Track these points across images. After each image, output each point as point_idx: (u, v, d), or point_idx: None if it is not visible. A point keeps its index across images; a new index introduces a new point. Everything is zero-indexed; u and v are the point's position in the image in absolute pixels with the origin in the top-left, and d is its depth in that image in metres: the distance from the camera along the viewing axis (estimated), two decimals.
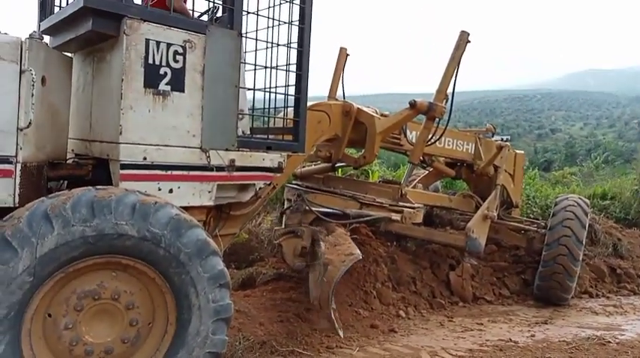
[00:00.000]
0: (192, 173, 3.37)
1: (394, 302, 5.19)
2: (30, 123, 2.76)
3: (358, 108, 4.84)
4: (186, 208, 3.40)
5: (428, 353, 4.24)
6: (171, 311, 2.84)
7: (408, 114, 4.78)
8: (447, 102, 4.75)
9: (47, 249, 2.43)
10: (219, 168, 3.50)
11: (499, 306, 6.00)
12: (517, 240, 6.70)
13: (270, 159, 3.78)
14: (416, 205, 4.80)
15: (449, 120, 4.89)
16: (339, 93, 5.71)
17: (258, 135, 3.90)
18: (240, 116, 3.92)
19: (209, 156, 3.42)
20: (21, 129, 2.77)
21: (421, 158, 6.04)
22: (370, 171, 9.52)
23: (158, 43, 3.14)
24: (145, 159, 3.14)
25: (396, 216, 4.53)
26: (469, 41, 4.61)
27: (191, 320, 2.86)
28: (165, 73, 3.19)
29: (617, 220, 8.96)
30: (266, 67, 3.92)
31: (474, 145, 6.32)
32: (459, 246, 5.78)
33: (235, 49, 3.51)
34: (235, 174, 3.60)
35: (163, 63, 3.18)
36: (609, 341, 4.77)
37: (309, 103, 4.59)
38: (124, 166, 3.07)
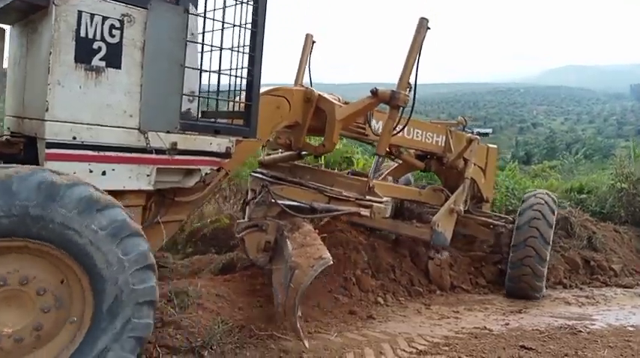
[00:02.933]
0: (128, 155, 3.20)
1: (373, 289, 5.27)
2: None
3: (319, 94, 4.67)
4: (122, 192, 3.27)
5: (405, 340, 4.28)
6: (88, 296, 2.68)
7: (370, 102, 4.62)
8: (410, 91, 4.60)
9: None
10: (160, 151, 3.34)
11: (475, 295, 6.13)
12: (485, 235, 6.63)
13: (218, 143, 3.61)
14: (384, 199, 4.66)
15: (412, 109, 4.73)
16: (306, 81, 5.56)
17: (205, 118, 3.73)
18: (190, 98, 3.76)
19: (148, 138, 3.25)
20: None
21: (388, 149, 5.92)
22: (355, 161, 9.40)
23: (92, 15, 2.95)
24: (74, 138, 2.96)
25: (365, 212, 4.37)
26: (429, 27, 4.46)
27: (110, 304, 2.70)
28: (100, 48, 3.00)
29: (592, 214, 9.09)
30: (213, 47, 3.72)
31: (444, 138, 6.19)
32: (425, 240, 5.68)
33: (181, 26, 3.33)
34: (178, 157, 3.43)
35: (97, 37, 2.98)
36: (580, 331, 4.84)
37: (268, 88, 4.45)
38: (50, 145, 2.89)
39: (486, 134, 8.12)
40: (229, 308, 4.08)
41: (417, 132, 5.83)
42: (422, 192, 6.11)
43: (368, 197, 4.53)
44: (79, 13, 2.90)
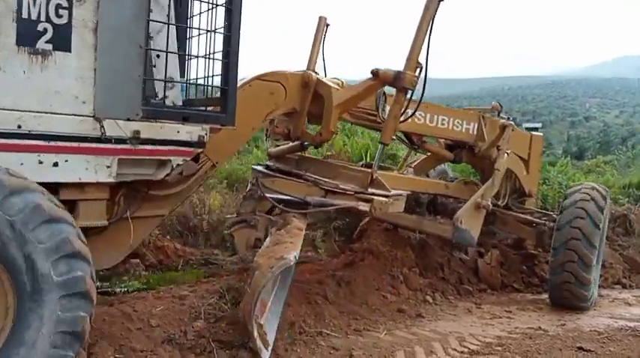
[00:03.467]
0: (83, 145, 2.98)
1: (421, 287, 5.22)
2: None
3: (318, 78, 4.27)
4: (82, 185, 3.07)
5: (456, 339, 4.20)
6: (8, 289, 2.46)
7: (370, 85, 4.16)
8: (420, 71, 4.09)
9: None
10: (120, 141, 3.10)
11: (528, 295, 5.91)
12: (526, 234, 5.97)
13: (188, 131, 3.33)
14: (392, 192, 4.21)
15: (423, 93, 4.22)
16: (321, 69, 5.14)
17: (171, 104, 3.46)
18: (170, 85, 3.51)
19: (103, 126, 3.02)
20: None
21: (409, 139, 5.42)
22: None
23: None
24: (19, 127, 2.77)
25: (364, 206, 3.93)
26: None
27: (33, 297, 2.47)
28: (46, 30, 2.79)
29: None
30: (193, 30, 3.44)
31: (476, 125, 5.58)
32: (446, 238, 5.15)
33: (140, 5, 3.06)
34: (142, 147, 3.19)
35: (42, 18, 2.77)
36: None
37: (260, 73, 4.14)
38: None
39: (535, 129, 7.43)
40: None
41: (443, 119, 5.27)
42: (449, 186, 5.55)
43: (370, 190, 4.09)
44: None
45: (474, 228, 5.01)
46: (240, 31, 3.47)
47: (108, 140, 3.05)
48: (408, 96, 4.11)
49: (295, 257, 2.92)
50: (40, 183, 2.90)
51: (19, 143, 2.79)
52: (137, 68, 3.11)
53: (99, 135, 3.00)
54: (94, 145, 3.02)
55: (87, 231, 3.34)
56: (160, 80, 3.41)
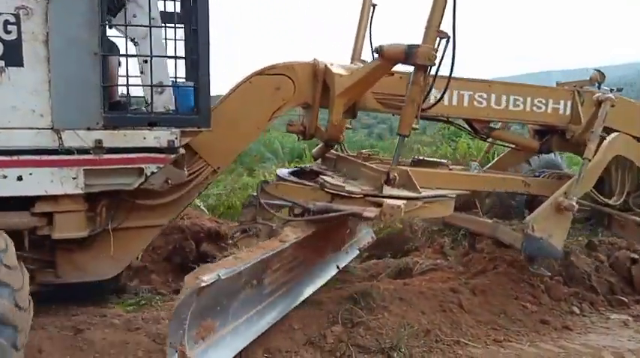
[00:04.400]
0: (45, 157, 2.99)
1: (566, 297, 4.72)
2: None
3: (326, 66, 3.74)
4: (54, 197, 3.09)
5: (611, 354, 3.82)
6: None
7: (377, 65, 3.48)
8: (447, 42, 3.32)
9: None
10: (83, 151, 3.05)
11: None
12: None
13: (155, 137, 3.14)
14: (425, 193, 3.52)
15: (452, 69, 3.41)
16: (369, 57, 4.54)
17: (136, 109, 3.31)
18: (159, 89, 3.38)
19: (61, 138, 2.99)
20: None
21: (472, 128, 4.53)
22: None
23: None
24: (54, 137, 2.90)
25: (370, 213, 3.33)
26: None
27: None
28: None
29: None
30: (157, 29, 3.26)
31: (569, 103, 4.42)
32: (516, 248, 4.17)
33: (90, 10, 2.97)
34: (108, 157, 3.10)
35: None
36: None
37: (263, 67, 3.80)
38: None
39: None
40: (413, 312, 4.00)
41: (516, 100, 4.28)
42: (530, 181, 4.47)
43: (387, 192, 3.43)
44: None
45: (555, 236, 3.96)
46: (209, 25, 3.19)
47: (69, 151, 3.01)
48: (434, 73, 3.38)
49: (216, 276, 2.48)
50: (9, 198, 3.02)
51: None
52: (94, 76, 3.03)
53: (56, 147, 2.98)
54: (55, 157, 3.01)
55: (81, 242, 3.42)
56: (121, 86, 3.30)
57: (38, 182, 3.00)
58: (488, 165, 5.20)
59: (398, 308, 3.96)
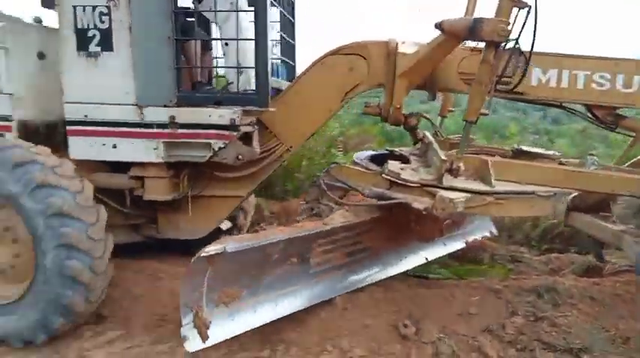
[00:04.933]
0: (131, 130, 3.47)
1: None
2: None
3: (398, 44, 3.42)
4: (142, 164, 3.58)
5: None
6: (28, 242, 3.13)
7: (439, 42, 3.01)
8: (528, 13, 2.77)
9: None
10: (162, 125, 3.44)
11: None
12: None
13: (220, 115, 3.37)
14: (481, 188, 3.12)
15: (532, 46, 2.82)
16: None
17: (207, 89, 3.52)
18: (241, 70, 3.62)
19: (143, 113, 3.41)
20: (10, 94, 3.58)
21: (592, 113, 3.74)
22: None
23: (84, 7, 3.33)
24: (85, 116, 3.47)
25: (420, 204, 3.06)
26: None
27: (40, 248, 3.05)
28: (94, 35, 3.36)
29: None
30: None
31: None
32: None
33: (164, 0, 3.28)
34: (182, 131, 3.44)
35: (91, 25, 3.35)
36: None
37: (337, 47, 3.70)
38: (69, 123, 3.50)
39: None
40: (608, 314, 3.62)
41: None
42: None
43: (448, 183, 3.08)
44: (74, 7, 3.34)
45: None
46: (266, 8, 3.25)
47: (149, 125, 3.44)
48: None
49: (222, 248, 2.57)
50: (108, 162, 3.60)
51: (87, 129, 3.50)
52: (168, 58, 3.36)
53: (141, 121, 3.42)
54: (139, 130, 3.46)
55: (174, 205, 3.89)
56: (187, 67, 3.55)
57: (128, 150, 3.50)
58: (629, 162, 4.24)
59: (589, 308, 3.56)
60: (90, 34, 3.37)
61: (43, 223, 3.03)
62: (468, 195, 3.05)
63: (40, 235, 3.05)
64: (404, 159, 3.76)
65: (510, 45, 2.89)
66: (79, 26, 3.36)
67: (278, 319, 3.13)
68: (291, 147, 3.79)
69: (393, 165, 3.38)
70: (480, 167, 3.31)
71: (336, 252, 3.44)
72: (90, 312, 3.32)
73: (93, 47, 3.38)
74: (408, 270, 4.08)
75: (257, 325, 2.98)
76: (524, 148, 3.85)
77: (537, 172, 3.36)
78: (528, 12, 2.82)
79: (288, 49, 4.42)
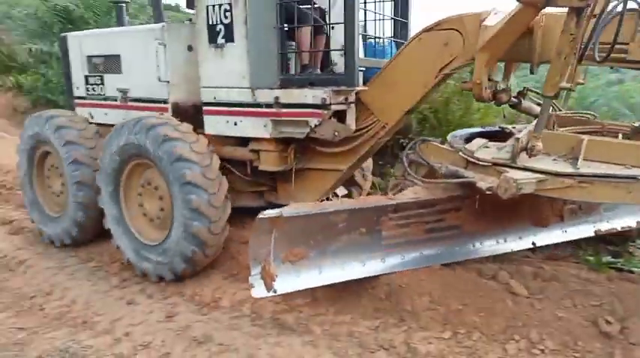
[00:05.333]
0: (247, 109, 4.06)
1: None
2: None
3: (488, 16, 3.19)
4: (259, 139, 4.17)
5: None
6: (168, 201, 3.95)
7: (516, 13, 2.70)
8: None
9: (119, 145, 4.15)
10: (269, 106, 3.96)
11: None
12: None
13: (313, 95, 3.72)
14: (558, 169, 2.84)
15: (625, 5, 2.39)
16: None
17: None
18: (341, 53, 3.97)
19: (255, 95, 3.96)
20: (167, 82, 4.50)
21: None
22: None
23: (213, 6, 4.01)
24: (214, 98, 4.19)
25: (484, 183, 2.90)
26: None
27: (174, 208, 3.86)
28: (220, 29, 4.02)
29: None
30: None
31: None
32: None
33: None
34: (285, 111, 3.91)
35: (218, 21, 4.01)
36: None
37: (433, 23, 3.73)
38: (204, 104, 4.27)
39: None
40: None
41: None
42: None
43: (523, 162, 2.86)
44: (207, 7, 4.04)
45: None
46: None
47: (260, 105, 3.99)
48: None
49: (279, 213, 2.88)
50: (232, 137, 4.27)
51: (216, 109, 4.22)
52: (273, 46, 3.84)
53: (253, 101, 3.99)
54: (252, 109, 4.04)
55: (285, 176, 4.41)
56: (291, 52, 3.92)
57: (246, 127, 4.12)
58: None
59: None
60: (217, 28, 4.04)
61: (178, 189, 3.83)
62: (541, 176, 2.86)
63: (175, 198, 3.86)
64: (508, 138, 3.61)
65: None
66: (210, 22, 4.06)
67: (457, 302, 3.34)
68: (386, 124, 3.94)
69: (474, 143, 3.31)
70: (571, 146, 3.03)
71: (412, 228, 3.52)
72: (206, 262, 4.06)
73: (219, 40, 4.05)
74: (512, 250, 3.94)
75: (321, 284, 3.30)
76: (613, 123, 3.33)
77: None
78: None
79: (402, 28, 4.52)
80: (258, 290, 3.13)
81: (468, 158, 3.20)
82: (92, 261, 4.67)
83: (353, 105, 3.90)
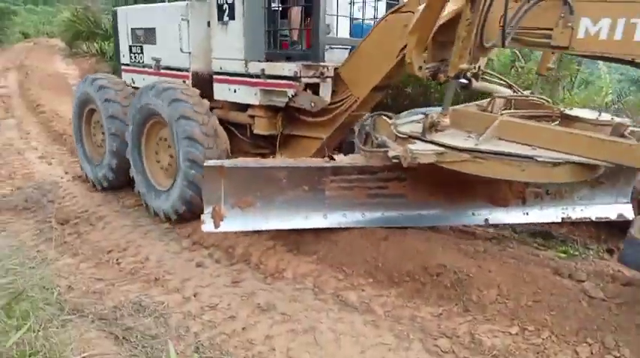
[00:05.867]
0: (242, 79, 4.68)
1: None
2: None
3: None
4: (253, 106, 4.79)
5: None
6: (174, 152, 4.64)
7: None
8: None
9: (140, 105, 5.00)
10: (257, 76, 4.54)
11: None
12: None
13: (289, 69, 4.23)
14: (457, 144, 3.08)
15: None
16: None
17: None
18: (328, 30, 4.45)
19: (247, 66, 4.56)
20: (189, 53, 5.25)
21: None
22: None
23: None
24: (220, 68, 4.87)
25: (392, 152, 3.21)
26: None
27: (178, 159, 4.54)
28: (226, 8, 4.65)
29: None
30: None
31: None
32: None
33: None
34: (269, 81, 4.46)
35: (224, 1, 4.65)
36: None
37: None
38: (215, 74, 4.96)
39: None
40: None
41: None
42: None
43: (431, 137, 3.11)
44: None
45: None
46: None
47: (251, 76, 4.58)
48: None
49: (221, 163, 3.45)
50: (232, 102, 4.92)
51: (222, 78, 4.90)
52: (261, 23, 4.40)
53: (245, 72, 4.60)
54: (246, 79, 4.65)
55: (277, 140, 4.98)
56: (281, 29, 4.43)
57: (242, 94, 4.75)
58: None
59: None
60: (224, 7, 4.68)
61: (180, 143, 4.58)
62: (441, 149, 3.14)
63: (178, 151, 4.62)
64: None
65: None
66: (219, 2, 4.71)
67: (527, 297, 3.22)
68: (358, 98, 4.32)
69: (405, 118, 3.62)
70: (486, 125, 3.25)
71: (355, 191, 3.90)
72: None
73: (225, 17, 4.69)
74: (463, 225, 4.21)
75: (265, 229, 3.86)
76: (569, 112, 3.37)
77: (550, 136, 3.08)
78: None
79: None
80: (208, 226, 3.76)
81: (394, 131, 3.53)
82: (165, 223, 4.96)
83: (329, 80, 4.33)
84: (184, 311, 3.40)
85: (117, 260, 4.30)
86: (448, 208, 4.12)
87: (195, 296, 3.61)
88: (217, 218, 3.72)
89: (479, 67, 3.80)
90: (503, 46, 3.01)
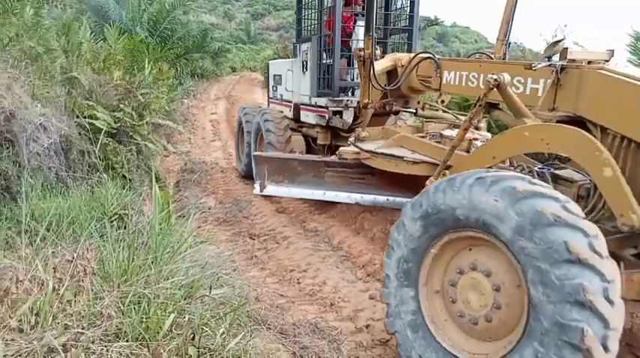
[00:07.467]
0: (309, 107, 7.29)
1: None
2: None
3: None
4: (314, 125, 7.37)
5: None
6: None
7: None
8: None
9: (257, 121, 8.10)
10: (314, 106, 7.10)
11: None
12: None
13: (323, 102, 6.72)
14: (365, 147, 5.09)
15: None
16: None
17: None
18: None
19: (311, 100, 7.16)
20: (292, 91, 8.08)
21: None
22: None
23: (304, 51, 7.36)
24: (302, 101, 7.57)
25: (341, 154, 5.50)
26: None
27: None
28: (305, 63, 7.35)
29: None
30: None
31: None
32: None
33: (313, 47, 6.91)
34: (318, 109, 6.99)
35: (304, 59, 7.35)
36: None
37: None
38: (301, 104, 7.67)
39: None
40: None
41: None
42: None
43: (359, 144, 5.17)
44: (301, 51, 7.47)
45: None
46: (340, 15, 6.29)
47: (313, 106, 7.16)
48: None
49: (258, 153, 6.06)
50: (308, 123, 7.60)
51: (303, 107, 7.60)
52: (316, 74, 7.00)
53: (311, 104, 7.21)
54: (311, 108, 7.25)
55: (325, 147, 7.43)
56: (323, 77, 6.90)
57: (309, 117, 7.35)
58: None
59: None
60: (304, 63, 7.40)
61: (266, 147, 7.49)
62: (357, 150, 5.26)
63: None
64: None
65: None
66: (302, 59, 7.45)
67: None
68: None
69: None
70: (392, 137, 5.23)
71: (343, 179, 6.07)
72: None
73: (304, 69, 7.40)
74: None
75: (287, 195, 6.36)
76: (443, 132, 5.04)
77: (421, 146, 4.91)
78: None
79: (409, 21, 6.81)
80: (256, 191, 6.47)
81: (349, 141, 5.69)
82: (341, 250, 5.37)
83: (351, 109, 6.63)
84: (357, 340, 3.46)
85: (297, 279, 4.66)
86: (408, 197, 5.96)
87: (367, 328, 3.67)
88: (262, 186, 6.43)
89: (422, 101, 5.66)
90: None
